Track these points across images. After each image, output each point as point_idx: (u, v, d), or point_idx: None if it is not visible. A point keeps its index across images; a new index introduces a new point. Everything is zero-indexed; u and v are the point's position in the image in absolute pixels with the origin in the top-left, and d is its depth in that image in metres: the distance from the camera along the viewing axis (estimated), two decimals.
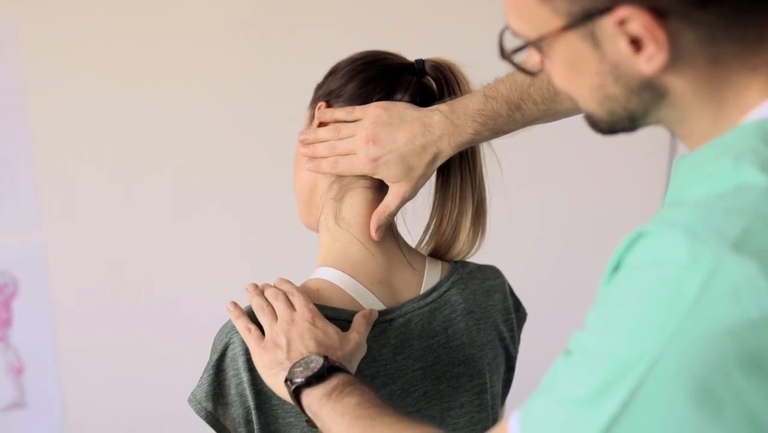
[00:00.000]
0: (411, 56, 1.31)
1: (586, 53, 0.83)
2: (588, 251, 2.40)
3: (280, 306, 1.17)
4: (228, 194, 2.55)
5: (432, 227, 1.32)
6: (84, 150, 2.47)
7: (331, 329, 1.16)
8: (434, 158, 1.23)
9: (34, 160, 2.43)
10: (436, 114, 1.23)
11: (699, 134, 0.84)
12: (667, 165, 0.90)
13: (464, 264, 1.35)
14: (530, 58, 0.89)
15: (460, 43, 2.54)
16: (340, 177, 1.26)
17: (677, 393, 0.74)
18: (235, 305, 1.19)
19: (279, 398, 1.18)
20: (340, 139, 1.24)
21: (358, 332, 1.18)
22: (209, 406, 1.18)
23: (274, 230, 2.55)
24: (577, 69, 0.84)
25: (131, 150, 2.49)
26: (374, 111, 1.23)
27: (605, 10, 0.79)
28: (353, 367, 1.16)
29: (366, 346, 1.19)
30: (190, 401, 1.20)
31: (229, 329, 1.21)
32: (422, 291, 1.29)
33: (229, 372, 1.19)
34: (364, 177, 1.25)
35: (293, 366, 1.12)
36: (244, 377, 1.18)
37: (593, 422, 0.76)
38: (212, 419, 1.19)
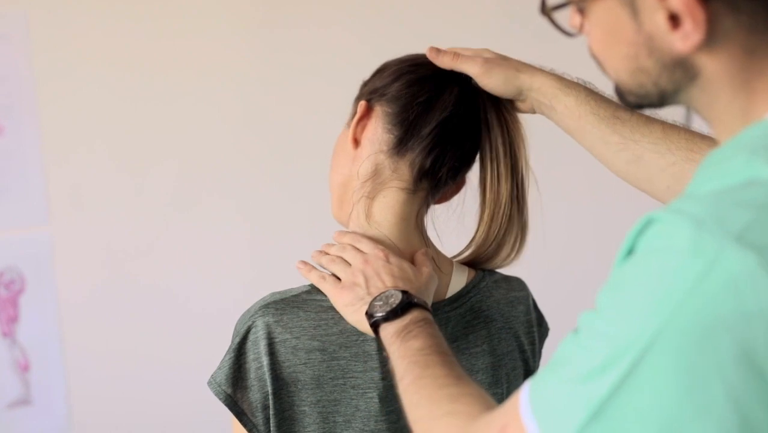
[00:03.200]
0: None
1: (624, 22, 0.84)
2: (599, 259, 2.40)
3: (349, 253, 1.21)
4: (237, 190, 2.55)
5: (476, 241, 1.31)
6: (93, 145, 2.47)
7: (405, 264, 1.20)
8: (521, 70, 1.25)
9: (43, 155, 2.43)
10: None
11: (726, 122, 0.85)
12: None
13: (491, 273, 1.35)
14: (571, 18, 0.90)
15: (466, 41, 2.54)
16: (375, 176, 1.25)
17: (669, 377, 0.74)
18: (305, 263, 1.23)
19: (295, 386, 1.19)
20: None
21: (426, 266, 1.22)
22: (229, 389, 1.19)
23: (282, 224, 2.55)
24: (613, 36, 0.85)
25: (140, 145, 2.49)
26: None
27: None
28: (429, 296, 1.20)
29: (437, 277, 1.23)
30: (209, 383, 1.20)
31: (252, 312, 1.21)
32: (447, 295, 1.28)
33: (250, 355, 1.19)
34: (398, 177, 1.25)
35: (374, 300, 1.15)
36: (265, 361, 1.19)
37: (587, 400, 0.78)
38: (231, 402, 1.19)
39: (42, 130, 2.43)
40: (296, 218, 2.54)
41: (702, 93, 0.84)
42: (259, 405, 1.19)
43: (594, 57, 0.90)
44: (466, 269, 1.32)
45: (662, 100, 0.87)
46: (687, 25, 0.80)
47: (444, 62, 1.24)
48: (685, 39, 0.80)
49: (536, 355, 1.38)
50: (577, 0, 0.87)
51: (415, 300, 1.14)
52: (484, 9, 2.62)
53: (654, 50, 0.83)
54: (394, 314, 1.12)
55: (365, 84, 1.30)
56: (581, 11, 0.88)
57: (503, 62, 1.25)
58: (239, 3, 2.51)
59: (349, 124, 1.28)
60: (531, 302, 1.38)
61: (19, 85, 2.41)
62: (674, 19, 0.80)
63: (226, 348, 1.22)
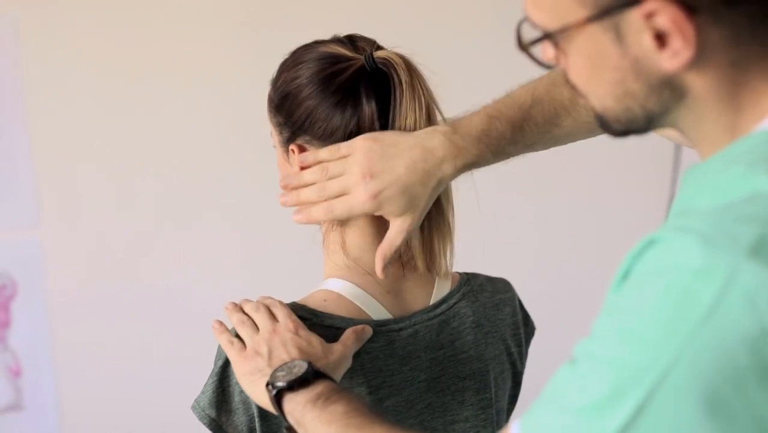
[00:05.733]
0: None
1: (608, 47, 0.81)
2: (592, 261, 2.39)
3: (261, 317, 1.16)
4: (228, 194, 2.54)
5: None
6: (83, 148, 2.46)
7: (315, 339, 1.14)
8: (438, 183, 1.17)
9: (33, 159, 2.42)
10: (437, 135, 1.16)
11: (713, 140, 0.83)
12: (670, 174, 0.89)
13: (475, 276, 1.34)
14: (544, 51, 0.87)
15: (460, 43, 2.54)
16: None
17: (689, 402, 0.73)
18: (220, 322, 1.19)
19: None
20: (329, 179, 1.17)
21: (345, 345, 1.16)
22: (213, 413, 1.18)
23: (274, 228, 2.53)
24: (596, 63, 0.83)
25: (131, 148, 2.48)
26: (363, 144, 1.15)
27: (634, 1, 0.78)
28: (337, 378, 1.14)
29: (351, 360, 1.17)
30: (193, 408, 1.19)
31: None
32: (432, 302, 1.27)
33: (233, 379, 1.18)
34: None
35: (276, 370, 1.10)
36: None
37: (603, 431, 0.75)
38: (215, 426, 1.18)
39: (32, 134, 2.42)
40: (290, 222, 2.54)
41: (689, 112, 0.83)
42: (244, 428, 1.18)
43: (575, 88, 0.88)
44: (449, 273, 1.30)
45: (649, 123, 0.85)
46: (676, 42, 0.78)
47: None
48: (674, 57, 0.79)
49: (523, 356, 1.37)
50: (557, 32, 0.83)
51: (322, 371, 1.09)
52: (481, 11, 2.62)
53: (641, 73, 0.81)
54: (300, 384, 1.06)
55: (278, 107, 1.23)
56: (557, 43, 0.85)
57: (397, 189, 1.15)
58: (231, 8, 2.51)
59: (284, 155, 1.24)
60: (517, 302, 1.37)
61: (9, 89, 2.40)
62: (660, 38, 0.79)
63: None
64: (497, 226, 2.32)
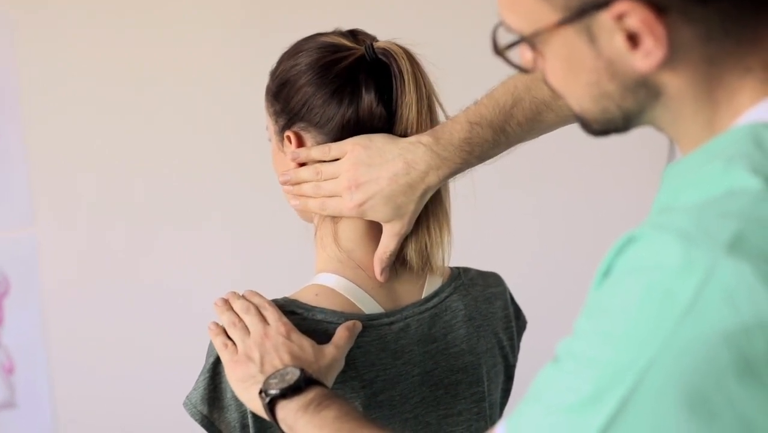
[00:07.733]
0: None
1: (582, 49, 0.82)
2: (586, 256, 2.38)
3: (252, 320, 1.16)
4: (224, 194, 2.54)
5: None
6: (78, 147, 2.46)
7: (306, 343, 1.15)
8: (424, 193, 1.21)
9: (28, 157, 2.42)
10: (419, 147, 1.20)
11: (691, 137, 0.83)
12: (665, 167, 0.89)
13: (466, 270, 1.34)
14: (522, 55, 0.87)
15: (458, 42, 2.54)
16: None
17: (670, 400, 0.73)
18: (216, 324, 1.19)
19: None
20: (323, 180, 1.22)
21: (337, 346, 1.16)
22: (205, 410, 1.18)
23: (273, 228, 2.55)
24: (572, 65, 0.83)
25: (126, 148, 2.48)
26: (352, 151, 1.20)
27: (604, 4, 0.78)
28: (329, 382, 1.15)
29: (343, 362, 1.17)
30: (185, 404, 1.19)
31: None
32: (423, 296, 1.27)
33: (225, 376, 1.18)
34: None
35: (268, 378, 1.11)
36: None
37: (586, 429, 0.75)
38: (208, 423, 1.18)
39: (28, 132, 2.42)
40: (285, 223, 2.54)
41: (666, 110, 0.83)
42: (237, 424, 1.18)
43: (553, 90, 0.88)
44: (443, 267, 1.30)
45: (627, 122, 0.85)
46: (647, 43, 0.78)
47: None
48: (647, 57, 0.79)
49: (515, 350, 1.38)
50: (530, 36, 0.84)
51: (314, 377, 1.10)
52: (479, 14, 2.61)
53: (616, 74, 0.81)
54: (293, 391, 1.08)
55: (275, 95, 1.25)
56: (533, 46, 0.85)
57: (380, 200, 1.20)
58: (231, 9, 2.50)
59: (279, 147, 1.26)
60: (508, 296, 1.38)
61: (5, 88, 2.40)
62: (633, 39, 0.79)
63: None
64: (492, 220, 2.32)
